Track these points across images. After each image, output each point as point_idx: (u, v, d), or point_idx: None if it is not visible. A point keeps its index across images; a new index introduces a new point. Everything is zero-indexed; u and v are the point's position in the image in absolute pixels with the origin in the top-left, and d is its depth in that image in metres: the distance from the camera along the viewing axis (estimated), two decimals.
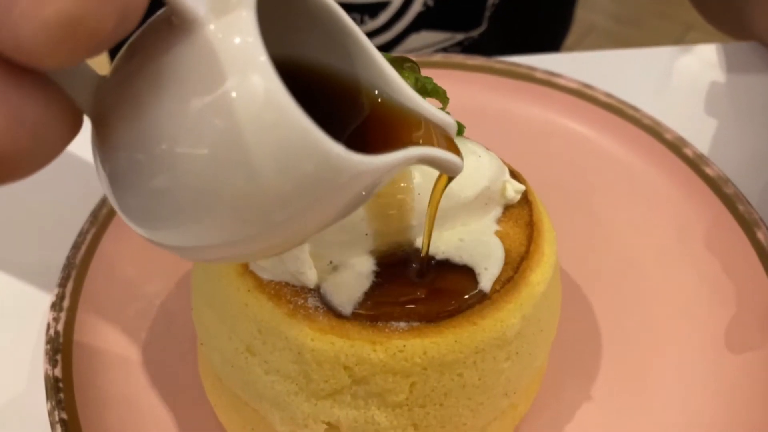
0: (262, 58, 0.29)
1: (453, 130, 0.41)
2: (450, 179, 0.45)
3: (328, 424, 0.49)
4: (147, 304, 0.68)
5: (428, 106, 0.39)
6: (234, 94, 0.29)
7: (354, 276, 0.50)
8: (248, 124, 0.29)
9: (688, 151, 0.76)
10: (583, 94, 0.83)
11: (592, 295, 0.69)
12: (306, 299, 0.49)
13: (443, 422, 0.50)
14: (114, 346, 0.64)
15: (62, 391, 0.58)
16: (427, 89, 0.48)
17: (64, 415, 0.57)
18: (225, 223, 0.32)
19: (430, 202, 0.47)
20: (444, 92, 0.49)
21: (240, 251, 0.35)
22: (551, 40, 1.25)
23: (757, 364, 0.62)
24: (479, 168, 0.53)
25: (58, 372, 0.59)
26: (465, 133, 0.55)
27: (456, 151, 0.40)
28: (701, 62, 0.95)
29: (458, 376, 0.49)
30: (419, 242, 0.51)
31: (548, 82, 0.85)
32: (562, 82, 0.85)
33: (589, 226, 0.75)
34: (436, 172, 0.51)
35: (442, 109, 0.50)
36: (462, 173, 0.51)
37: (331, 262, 0.50)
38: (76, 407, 0.58)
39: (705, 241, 0.72)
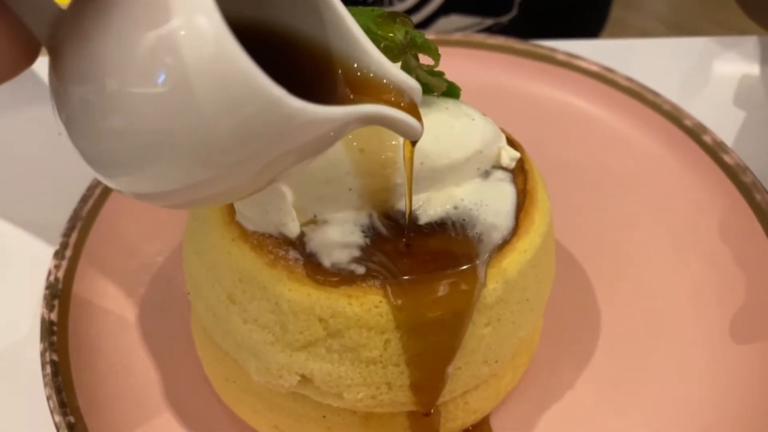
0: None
1: (417, 94, 0.40)
2: (413, 144, 0.45)
3: (302, 376, 0.49)
4: (149, 260, 0.69)
5: (395, 70, 0.39)
6: (176, 31, 0.29)
7: (338, 233, 0.50)
8: (188, 59, 0.29)
9: (707, 138, 0.74)
10: (604, 77, 0.82)
11: (594, 275, 0.67)
12: (287, 251, 0.49)
13: None
14: (112, 297, 0.65)
15: (56, 334, 0.60)
16: (417, 43, 0.47)
17: (55, 357, 0.58)
18: (176, 164, 0.32)
19: (405, 169, 0.47)
20: (435, 48, 0.48)
21: (201, 195, 0.35)
22: (585, 31, 1.22)
23: (760, 355, 0.60)
24: (472, 131, 0.52)
25: (54, 316, 0.61)
26: (482, 112, 0.54)
27: (416, 115, 0.40)
28: (730, 54, 0.91)
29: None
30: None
31: (569, 64, 0.83)
32: (582, 64, 0.83)
33: (600, 208, 0.73)
34: (430, 134, 0.50)
35: (434, 65, 0.50)
36: (453, 134, 0.51)
37: (315, 216, 0.50)
38: (68, 351, 0.59)
39: (718, 228, 0.69)
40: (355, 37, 0.37)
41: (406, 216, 0.49)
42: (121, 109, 0.31)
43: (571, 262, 0.68)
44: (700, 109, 0.79)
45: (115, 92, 0.30)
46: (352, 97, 0.38)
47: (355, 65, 0.38)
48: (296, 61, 0.38)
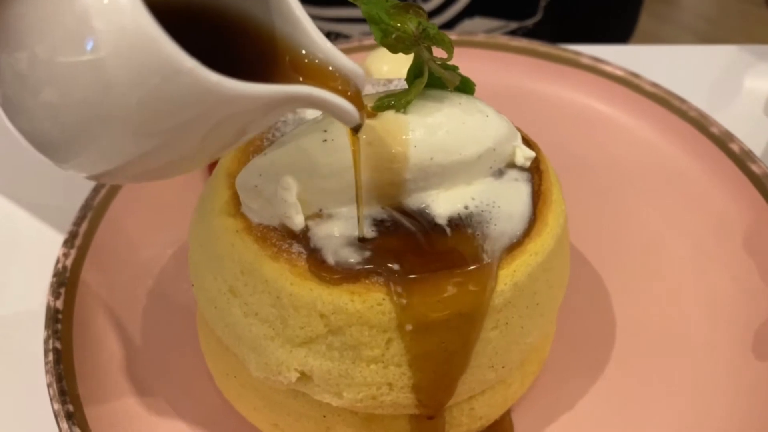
0: None
1: (360, 80, 0.40)
2: (355, 132, 0.44)
3: (302, 373, 0.48)
4: (159, 251, 0.69)
5: (341, 57, 0.39)
6: (94, 2, 0.30)
7: (343, 228, 0.48)
8: (103, 30, 0.30)
9: (734, 147, 0.71)
10: (629, 82, 0.79)
11: (611, 283, 0.65)
12: (291, 244, 0.48)
13: None
14: (119, 288, 0.65)
15: (60, 322, 0.59)
16: (430, 34, 0.46)
17: (58, 345, 0.57)
18: (108, 137, 0.33)
19: (353, 161, 0.46)
20: (449, 41, 0.47)
21: (147, 167, 0.36)
22: (611, 39, 1.19)
23: None
24: (485, 127, 0.50)
25: (59, 304, 0.60)
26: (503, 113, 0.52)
27: (357, 103, 0.40)
28: (762, 63, 0.89)
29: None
30: (415, 198, 0.50)
31: (593, 68, 0.81)
32: (607, 69, 0.81)
33: (620, 214, 0.71)
34: (441, 129, 0.49)
35: (448, 59, 0.49)
36: (465, 129, 0.49)
37: (320, 210, 0.49)
38: (71, 340, 0.59)
39: (743, 239, 0.67)
40: (302, 25, 0.38)
41: (358, 217, 0.47)
42: (46, 78, 0.32)
43: (587, 268, 0.66)
44: (729, 118, 0.76)
45: (41, 61, 0.31)
46: (301, 80, 0.38)
47: (304, 52, 0.39)
48: (247, 47, 0.39)
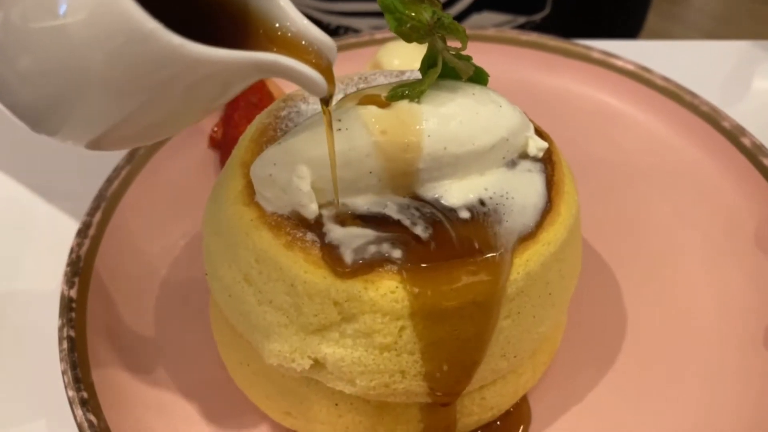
0: None
1: (331, 52, 0.41)
2: (325, 103, 0.44)
3: (315, 360, 0.48)
4: (172, 242, 0.69)
5: (312, 29, 0.40)
6: None
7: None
8: None
9: (746, 141, 0.71)
10: (640, 77, 0.79)
11: (622, 276, 0.65)
12: (305, 233, 0.48)
13: None
14: (133, 277, 0.65)
15: (74, 311, 0.60)
16: (444, 24, 0.46)
17: (72, 333, 0.58)
18: (87, 99, 0.34)
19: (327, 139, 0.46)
20: (463, 31, 0.47)
21: (137, 128, 0.37)
22: (618, 35, 1.19)
23: None
24: (498, 118, 0.50)
25: (73, 293, 0.61)
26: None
27: (327, 75, 0.40)
28: None
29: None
30: (429, 188, 0.50)
31: (604, 62, 0.81)
32: (618, 63, 0.81)
33: (631, 208, 0.71)
34: (455, 119, 0.49)
35: (462, 48, 0.49)
36: (478, 120, 0.50)
37: (334, 199, 0.49)
38: (85, 328, 0.59)
39: (755, 236, 0.67)
40: (276, 0, 0.39)
41: (335, 197, 0.48)
42: (21, 44, 0.33)
43: (598, 262, 0.66)
44: (740, 113, 0.76)
45: (14, 26, 0.33)
46: (274, 50, 0.39)
47: (277, 25, 0.39)
48: (224, 20, 0.40)
